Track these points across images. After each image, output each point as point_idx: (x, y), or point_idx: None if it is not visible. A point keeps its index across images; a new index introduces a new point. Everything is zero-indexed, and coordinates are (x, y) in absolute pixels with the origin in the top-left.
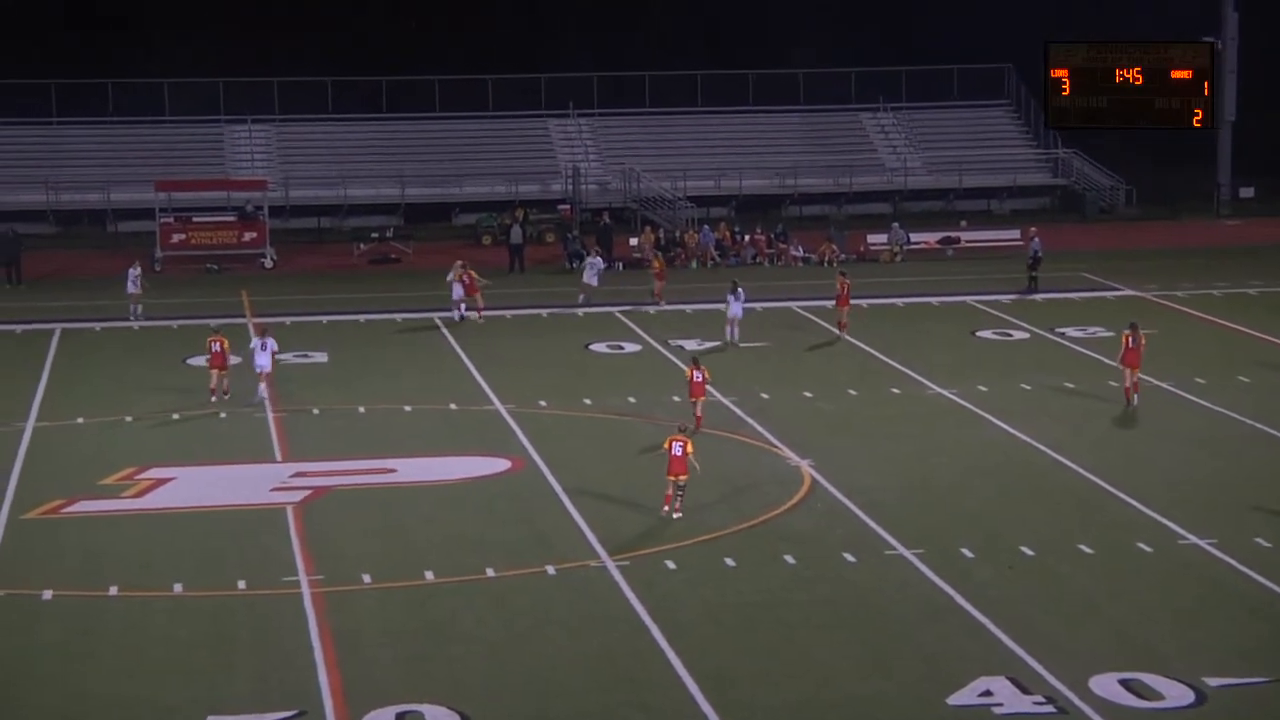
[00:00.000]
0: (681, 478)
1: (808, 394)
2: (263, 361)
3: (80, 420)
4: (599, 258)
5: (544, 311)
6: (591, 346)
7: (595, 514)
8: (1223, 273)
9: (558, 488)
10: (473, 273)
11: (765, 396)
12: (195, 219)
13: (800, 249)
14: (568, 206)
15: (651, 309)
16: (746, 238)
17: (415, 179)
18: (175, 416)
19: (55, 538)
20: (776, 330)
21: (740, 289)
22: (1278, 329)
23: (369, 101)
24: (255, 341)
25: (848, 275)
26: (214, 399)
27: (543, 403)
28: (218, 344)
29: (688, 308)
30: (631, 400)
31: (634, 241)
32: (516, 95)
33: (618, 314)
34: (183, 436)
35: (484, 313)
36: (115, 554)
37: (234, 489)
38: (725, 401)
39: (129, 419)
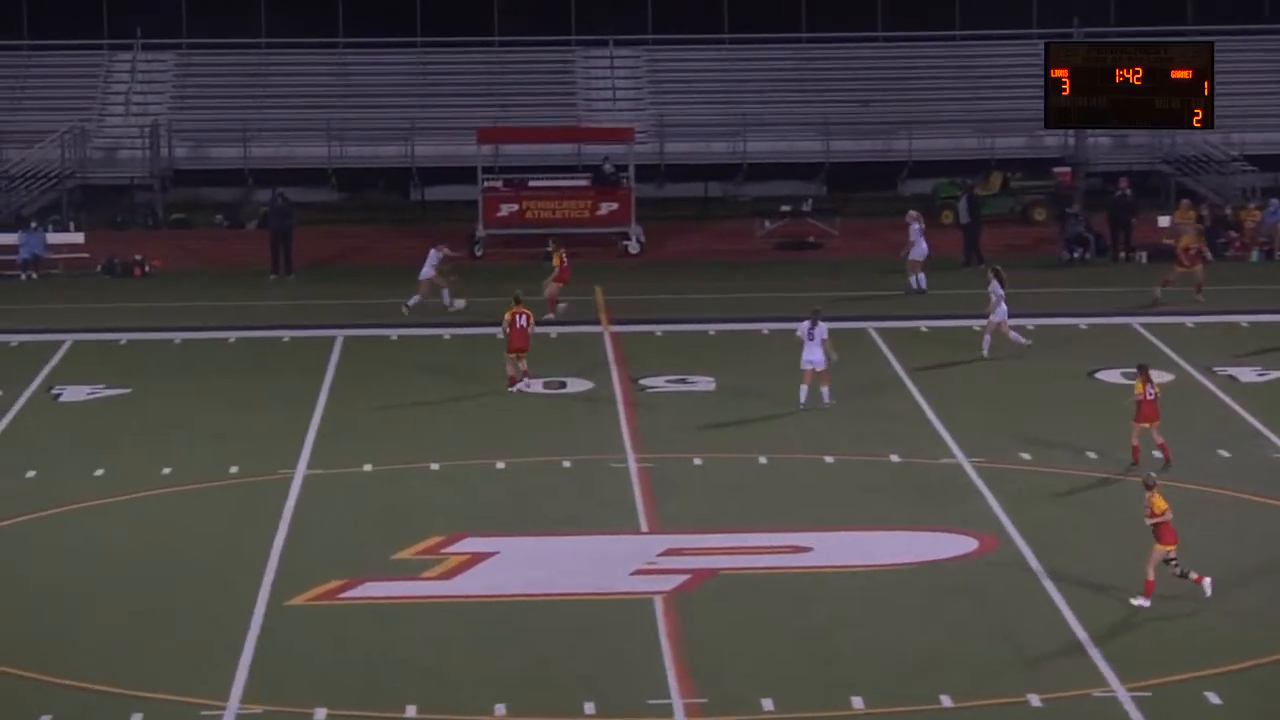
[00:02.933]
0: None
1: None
2: None
3: (368, 468)
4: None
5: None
6: (1099, 374)
7: (1095, 615)
8: None
9: (1044, 577)
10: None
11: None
12: (531, 183)
13: None
14: (1068, 170)
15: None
16: None
17: (842, 128)
18: (499, 465)
19: (332, 633)
20: None
21: None
22: None
23: (775, 15)
24: None
25: None
26: (514, 389)
27: (1025, 455)
28: (522, 317)
29: (1242, 319)
30: (1156, 454)
31: (1164, 221)
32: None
33: (1137, 325)
34: (509, 492)
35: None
36: (413, 659)
37: (579, 570)
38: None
39: (435, 466)
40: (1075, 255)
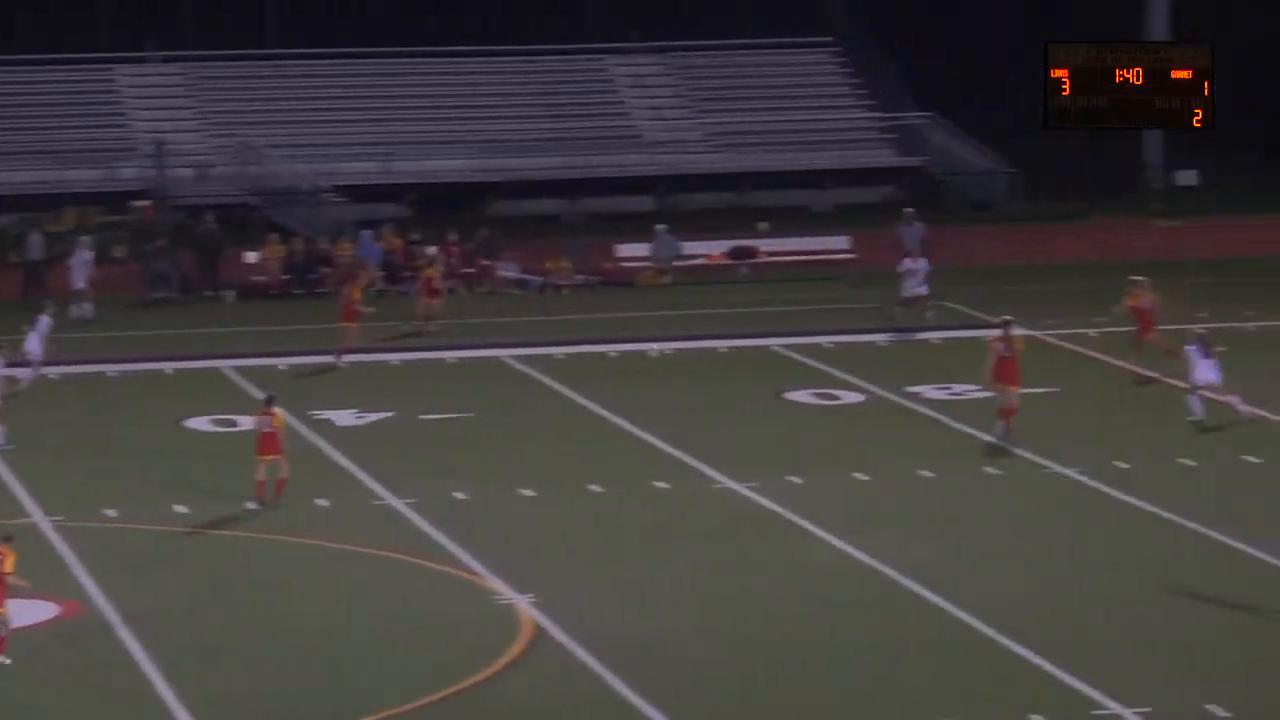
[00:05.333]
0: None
1: (527, 491)
2: None
3: None
4: (46, 316)
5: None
6: (188, 422)
7: (188, 679)
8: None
9: (131, 641)
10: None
11: (461, 496)
12: None
13: (516, 268)
14: (149, 204)
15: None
16: (432, 250)
17: None
18: None
19: None
20: (479, 392)
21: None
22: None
23: None
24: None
25: None
26: None
27: (110, 512)
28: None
29: (344, 359)
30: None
31: (252, 256)
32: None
33: (226, 369)
34: None
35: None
36: None
37: None
38: (399, 506)
39: None
40: (160, 295)
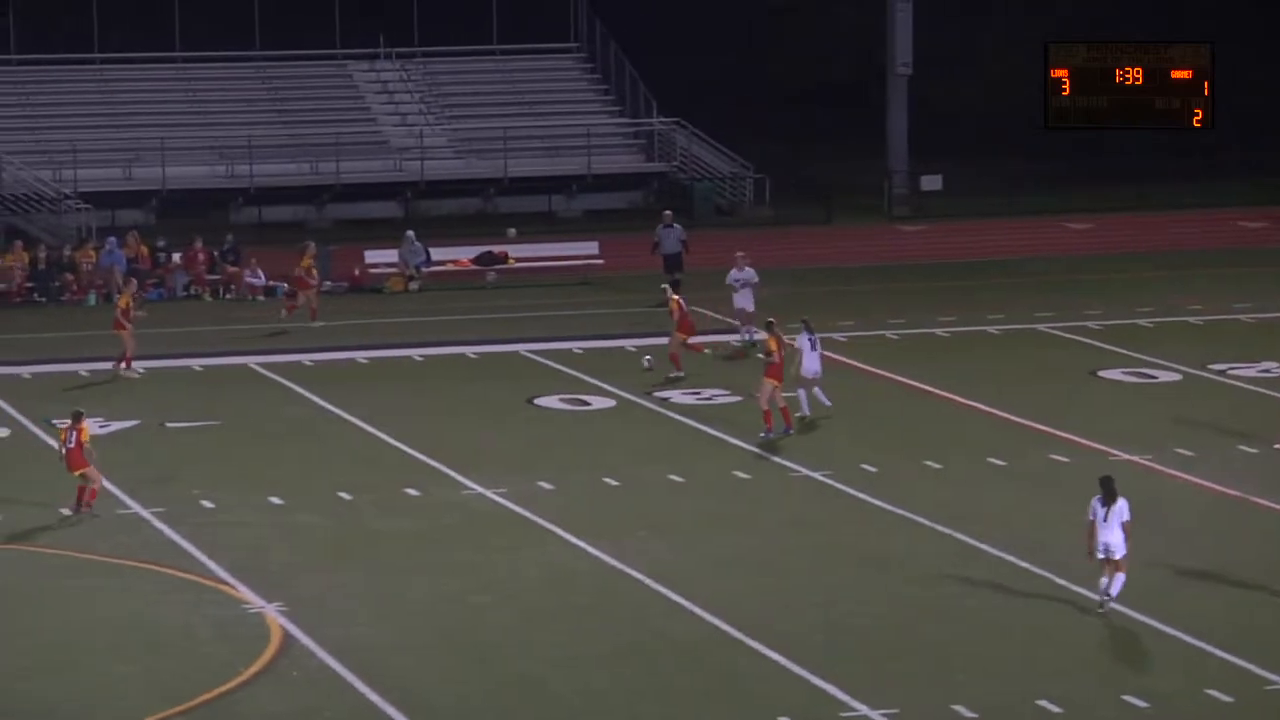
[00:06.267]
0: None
1: (276, 500)
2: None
3: None
4: None
5: None
6: None
7: None
8: (899, 304)
9: None
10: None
11: (208, 505)
12: None
13: (261, 274)
14: None
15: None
16: (176, 257)
17: None
18: None
19: None
20: (227, 400)
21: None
22: (981, 387)
23: None
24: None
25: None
26: None
27: None
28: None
29: (81, 367)
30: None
31: None
32: None
33: None
34: None
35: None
36: None
37: None
38: (147, 515)
39: None
40: None
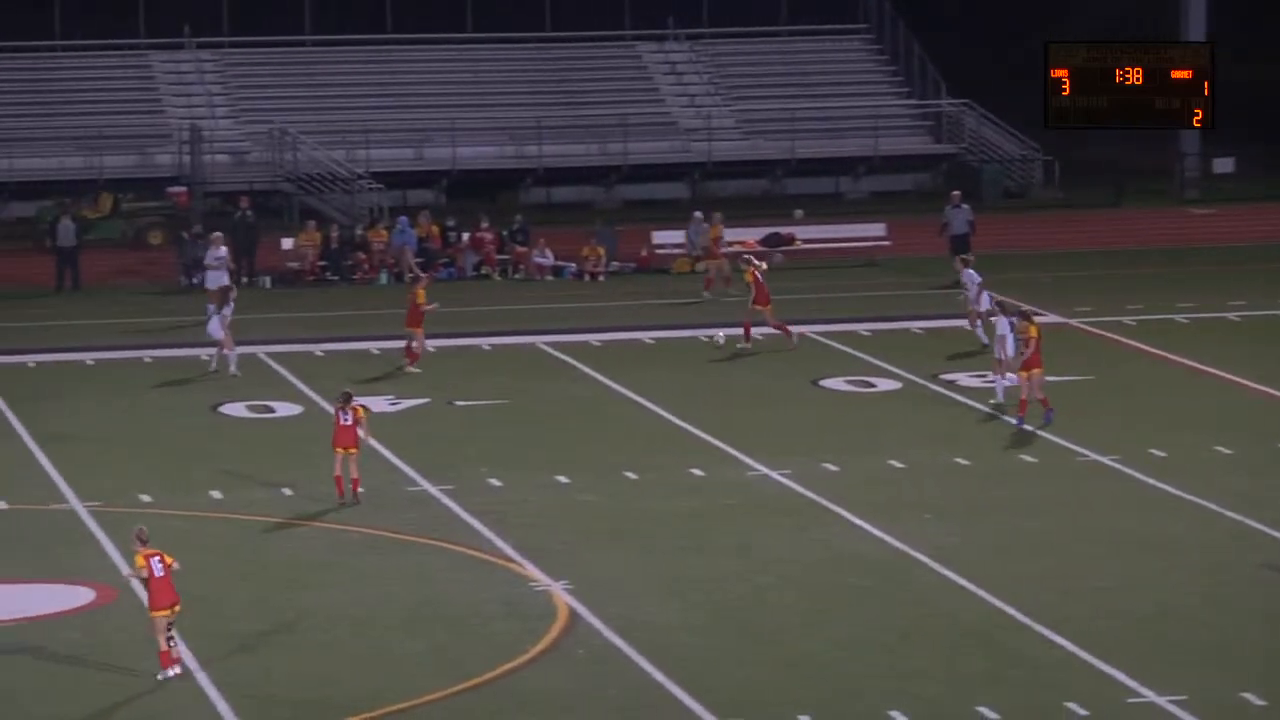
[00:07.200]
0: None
1: (562, 479)
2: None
3: None
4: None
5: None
6: (223, 408)
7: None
8: (1190, 287)
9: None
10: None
11: (496, 483)
12: None
13: (549, 254)
14: (183, 190)
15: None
16: (465, 237)
17: None
18: None
19: None
20: (515, 379)
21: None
22: (1275, 372)
23: None
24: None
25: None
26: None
27: (145, 497)
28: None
29: (372, 345)
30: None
31: (288, 243)
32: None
33: (263, 356)
34: None
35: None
36: None
37: None
38: (436, 493)
39: None
40: (195, 281)
